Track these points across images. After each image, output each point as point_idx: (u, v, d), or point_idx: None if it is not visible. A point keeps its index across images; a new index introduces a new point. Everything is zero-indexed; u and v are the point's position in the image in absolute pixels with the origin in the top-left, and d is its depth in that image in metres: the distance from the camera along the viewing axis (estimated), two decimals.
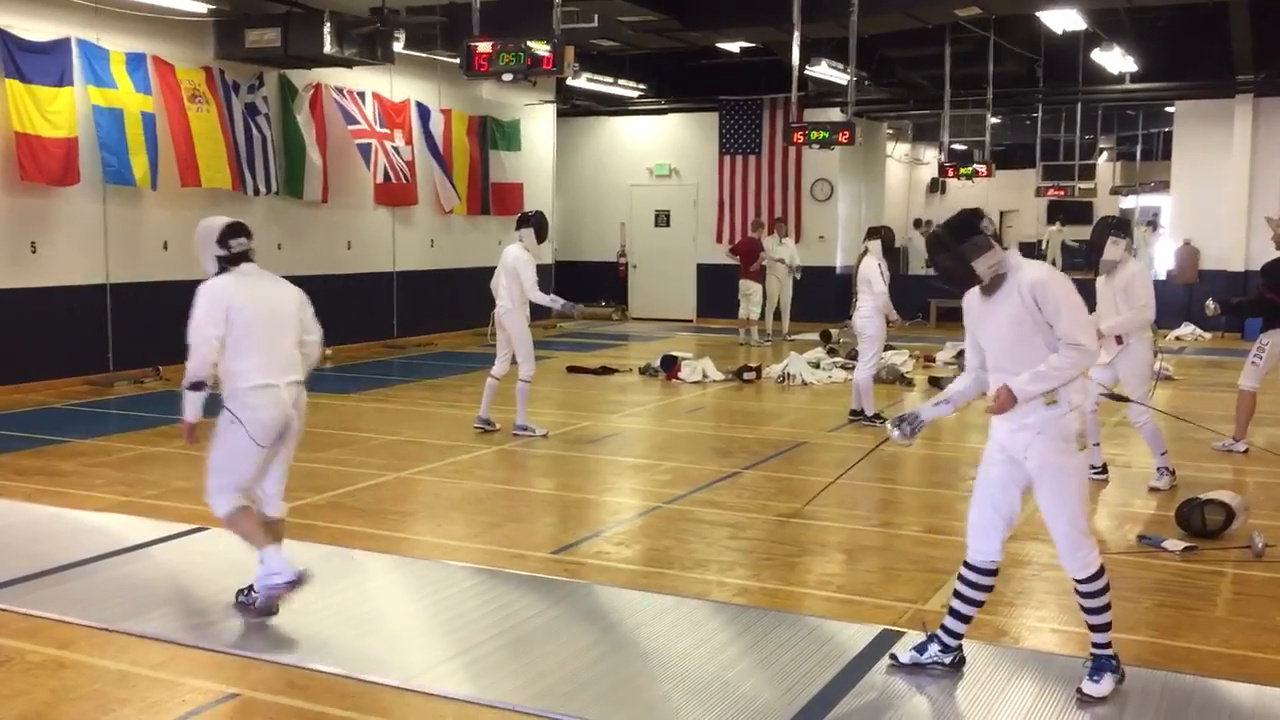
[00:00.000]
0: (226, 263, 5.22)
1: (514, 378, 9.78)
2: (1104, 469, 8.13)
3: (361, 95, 15.43)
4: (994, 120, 20.25)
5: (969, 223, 4.36)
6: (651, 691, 4.43)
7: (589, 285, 21.60)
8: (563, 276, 20.94)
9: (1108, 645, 4.38)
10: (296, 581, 5.06)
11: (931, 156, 27.09)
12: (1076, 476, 4.30)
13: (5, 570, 5.83)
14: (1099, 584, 4.32)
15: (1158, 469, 7.89)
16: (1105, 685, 4.33)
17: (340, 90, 15.08)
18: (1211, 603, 5.54)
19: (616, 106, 21.27)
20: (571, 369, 13.90)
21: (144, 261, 12.82)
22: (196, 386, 5.08)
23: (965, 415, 11.06)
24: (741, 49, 17.88)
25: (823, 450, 9.34)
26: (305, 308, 5.41)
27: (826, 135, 13.67)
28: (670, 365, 13.34)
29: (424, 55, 15.27)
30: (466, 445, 9.28)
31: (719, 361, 13.76)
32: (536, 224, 9.68)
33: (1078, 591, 4.36)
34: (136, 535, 6.48)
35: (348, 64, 13.68)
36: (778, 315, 18.08)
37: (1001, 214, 28.63)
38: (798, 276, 17.92)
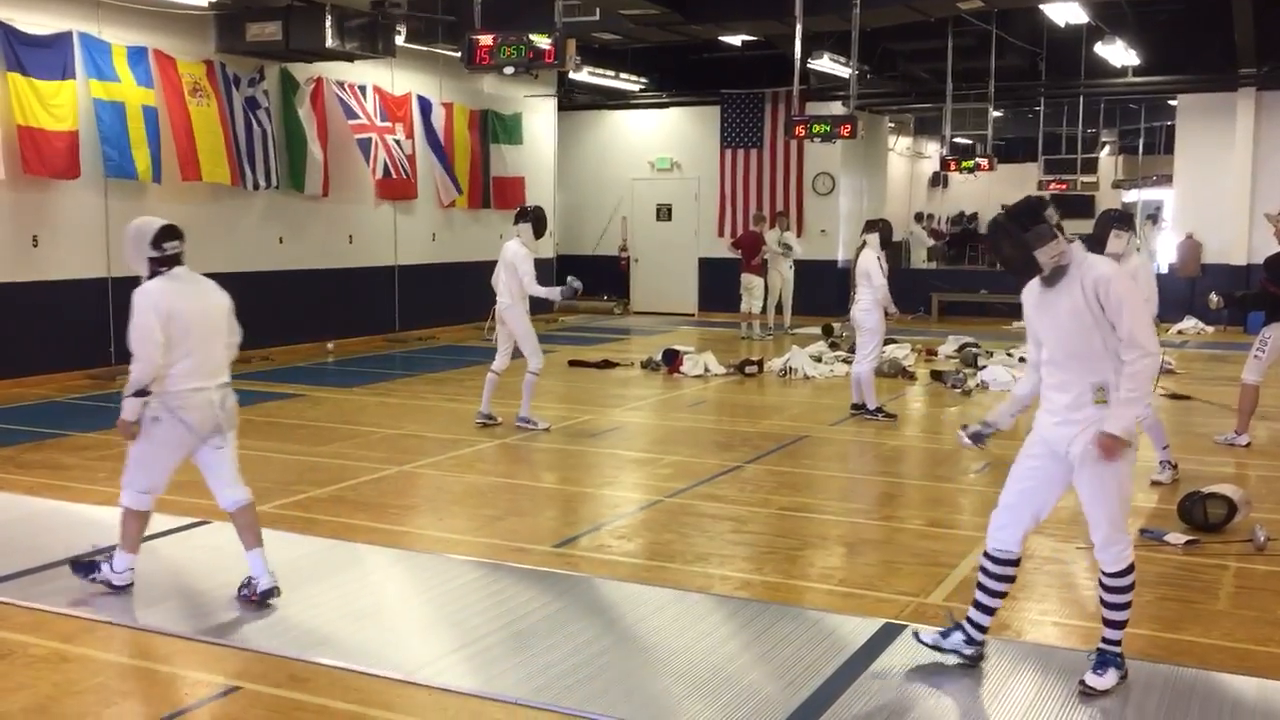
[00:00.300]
0: (159, 265, 5.22)
1: (516, 371, 9.77)
2: (1175, 466, 7.91)
3: (363, 89, 15.42)
4: (996, 114, 20.19)
5: (1034, 210, 4.26)
6: (654, 685, 4.44)
7: (590, 279, 21.61)
8: (563, 270, 20.94)
9: (1118, 643, 4.38)
10: (123, 589, 5.30)
11: (933, 150, 27.05)
12: (1118, 472, 4.23)
13: (8, 564, 5.83)
14: (1126, 580, 4.32)
15: (1160, 463, 7.88)
16: (1109, 679, 4.33)
17: (341, 84, 15.06)
18: (1214, 596, 5.54)
19: (618, 100, 21.24)
20: (573, 363, 13.89)
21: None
22: (142, 393, 5.08)
23: (967, 409, 11.07)
24: (743, 42, 17.86)
25: (825, 444, 9.34)
26: (230, 312, 5.48)
27: (828, 129, 13.64)
28: (672, 359, 13.34)
29: (425, 49, 15.25)
30: (468, 439, 9.28)
31: (721, 355, 13.76)
32: (534, 219, 9.67)
33: (1103, 585, 4.36)
34: None
35: (349, 57, 13.67)
36: (779, 309, 18.08)
37: (1003, 207, 28.61)
38: (798, 253, 17.86)
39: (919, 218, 25.41)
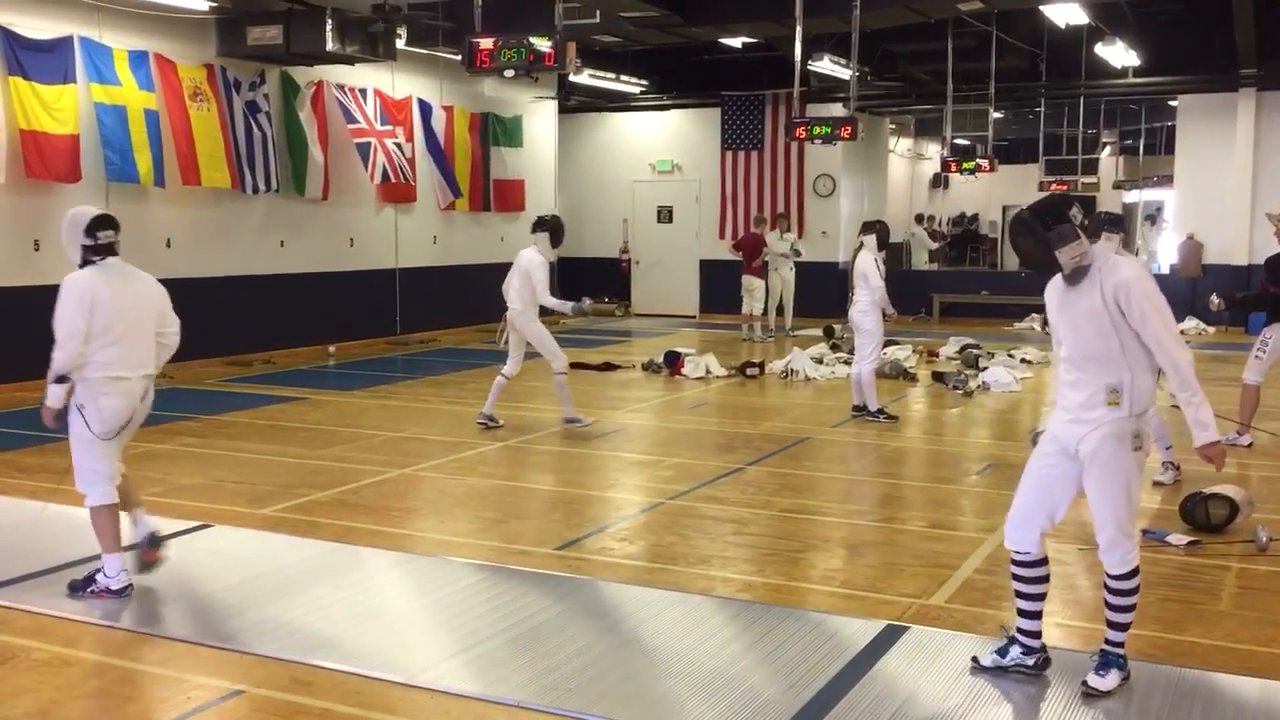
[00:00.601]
0: (92, 253, 5.30)
1: (527, 377, 9.77)
2: (1177, 467, 7.92)
3: (363, 92, 15.43)
4: (997, 115, 20.20)
5: (1057, 209, 4.23)
6: (656, 687, 4.44)
7: (591, 281, 21.64)
8: (565, 273, 20.95)
9: (1121, 644, 4.38)
10: (122, 592, 5.33)
11: (934, 151, 27.05)
12: (1127, 475, 4.23)
13: (10, 568, 5.84)
14: (1132, 583, 4.31)
15: (1163, 463, 7.88)
16: (1111, 680, 4.33)
17: (342, 87, 15.07)
18: (1216, 597, 5.53)
19: (619, 102, 21.25)
20: (574, 365, 13.84)
21: (146, 259, 12.57)
22: (62, 380, 5.19)
23: (968, 410, 11.07)
24: (744, 44, 17.88)
25: (826, 446, 9.34)
26: (165, 302, 5.58)
27: (829, 130, 13.66)
28: (673, 361, 13.34)
29: (426, 52, 15.27)
30: (470, 442, 9.28)
31: (722, 357, 13.76)
32: (552, 228, 9.69)
33: (1108, 587, 4.35)
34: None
35: (349, 61, 13.69)
36: (780, 311, 18.07)
37: (1004, 209, 28.64)
38: (800, 253, 17.86)
39: (920, 219, 25.41)
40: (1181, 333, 18.05)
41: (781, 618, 5.16)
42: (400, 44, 13.72)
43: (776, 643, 4.85)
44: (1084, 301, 4.21)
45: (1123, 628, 4.36)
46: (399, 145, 15.88)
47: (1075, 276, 4.24)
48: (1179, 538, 6.32)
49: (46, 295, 12.28)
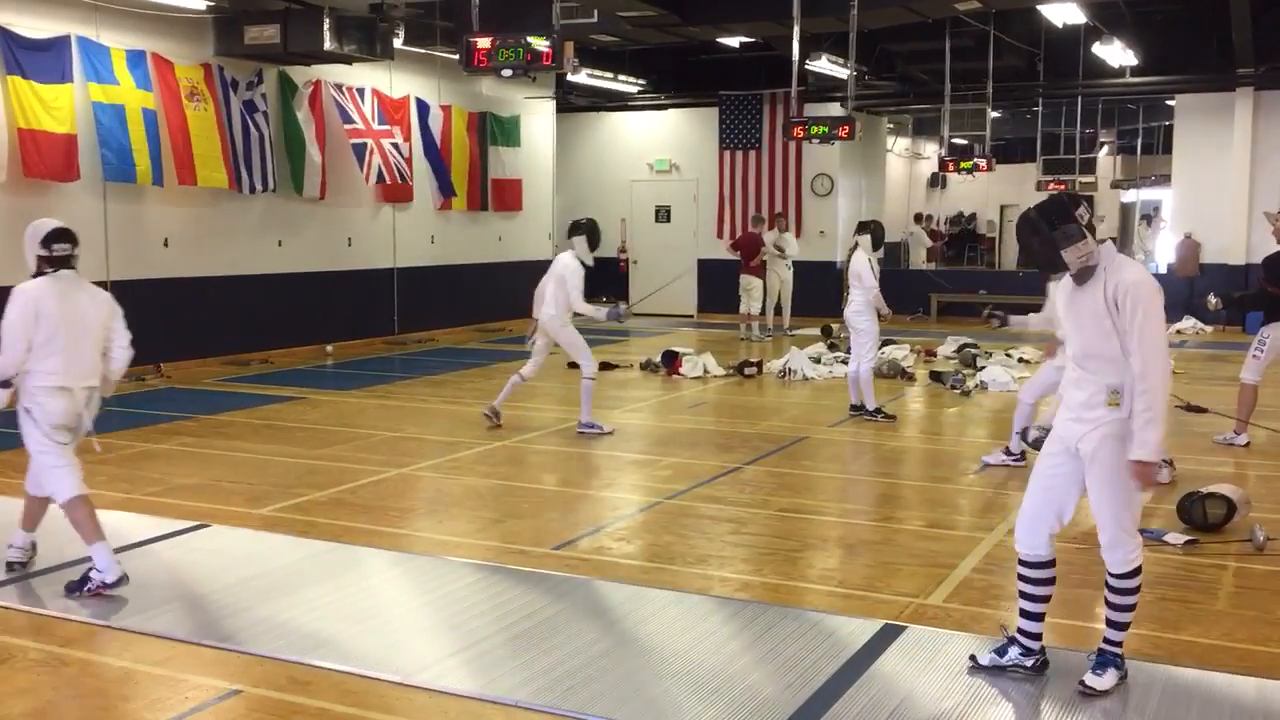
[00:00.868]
0: (46, 264, 5.43)
1: (546, 378, 9.77)
2: (1172, 464, 7.94)
3: (361, 92, 15.42)
4: (994, 114, 20.21)
5: (1063, 208, 4.23)
6: (654, 687, 4.44)
7: (589, 281, 21.59)
8: None
9: (1119, 644, 4.38)
10: (118, 582, 5.36)
11: (932, 151, 27.06)
12: (1127, 475, 4.22)
13: (6, 568, 5.83)
14: (1133, 583, 4.31)
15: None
16: (1108, 679, 4.33)
17: (339, 87, 15.06)
18: (1213, 596, 5.54)
19: (616, 102, 21.25)
20: (573, 365, 13.85)
21: (144, 258, 12.83)
22: (6, 384, 5.34)
23: (966, 409, 11.08)
24: (741, 44, 17.86)
25: (824, 445, 9.34)
26: (115, 318, 5.67)
27: (827, 130, 13.66)
28: (671, 360, 13.34)
29: (423, 51, 15.27)
30: (468, 441, 9.28)
31: (720, 357, 13.76)
32: (589, 231, 9.62)
33: (1109, 586, 4.35)
34: (138, 532, 6.48)
35: (347, 60, 13.68)
36: (778, 310, 18.08)
37: (1002, 208, 28.65)
38: (793, 253, 17.88)
39: (918, 218, 25.40)
40: (1179, 332, 18.14)
41: (779, 617, 5.16)
42: (398, 43, 13.72)
43: (774, 642, 4.85)
44: (1088, 301, 4.22)
45: (1122, 627, 4.36)
46: (396, 145, 15.86)
47: (1082, 276, 4.25)
48: (1176, 537, 6.32)
49: None
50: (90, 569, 5.41)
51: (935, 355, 14.69)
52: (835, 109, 17.77)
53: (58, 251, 5.44)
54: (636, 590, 5.56)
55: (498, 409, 9.83)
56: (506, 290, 19.07)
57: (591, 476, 8.43)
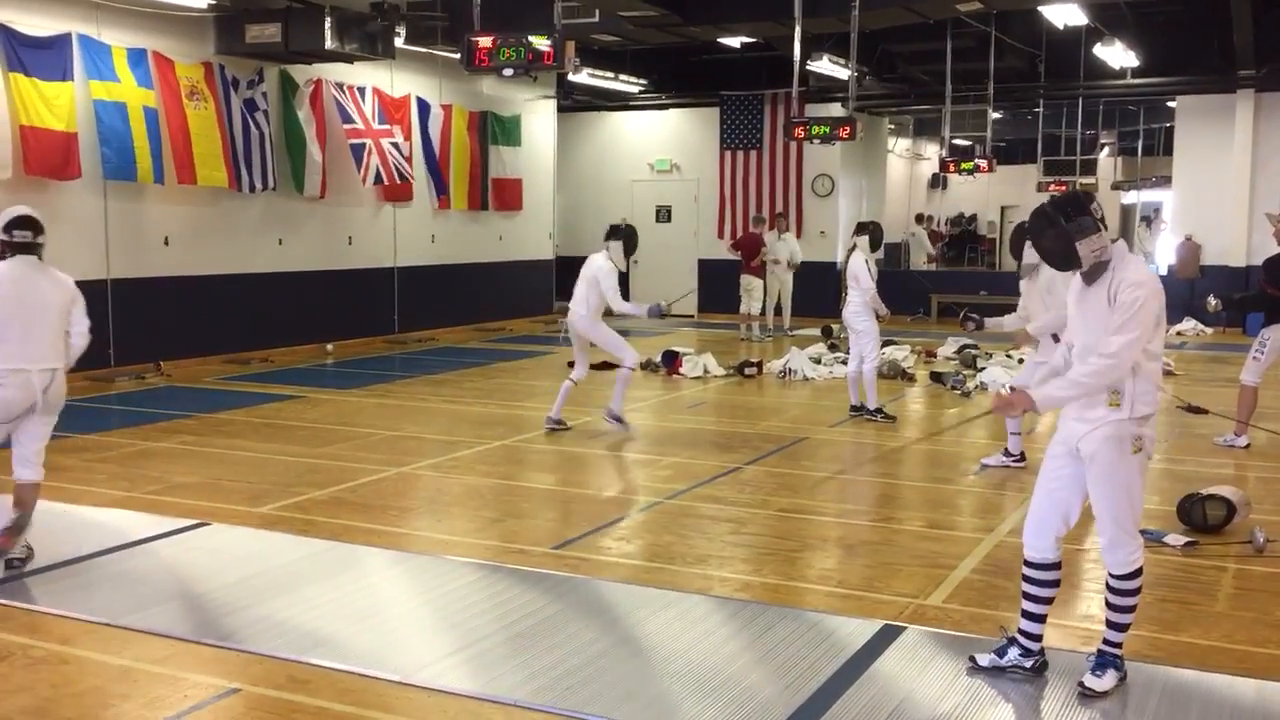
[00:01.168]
0: (5, 248, 5.60)
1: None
2: (1021, 456, 8.24)
3: (362, 91, 15.42)
4: (995, 115, 20.19)
5: (1078, 202, 4.25)
6: (653, 686, 4.43)
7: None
8: (564, 272, 20.95)
9: (1119, 645, 4.38)
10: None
11: (933, 152, 27.06)
12: (1127, 476, 4.23)
13: (6, 564, 5.83)
14: (1133, 584, 4.31)
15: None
16: (1108, 680, 4.33)
17: (340, 86, 15.06)
18: (1213, 598, 5.54)
19: (617, 101, 21.25)
20: (570, 363, 13.86)
21: (145, 257, 12.83)
22: None
23: (967, 410, 11.08)
24: (743, 44, 17.87)
25: (824, 445, 9.34)
26: (75, 305, 5.81)
27: (828, 130, 13.66)
28: (671, 360, 13.34)
29: (425, 50, 15.26)
30: (467, 440, 9.28)
31: (720, 357, 13.76)
32: (625, 237, 9.54)
33: (1110, 587, 4.35)
34: (138, 530, 6.48)
35: (348, 59, 13.68)
36: (779, 310, 18.08)
37: (1003, 209, 28.64)
38: (797, 267, 17.89)
39: (920, 219, 25.39)
40: (1179, 334, 18.12)
41: (779, 617, 5.16)
42: (399, 42, 13.71)
43: (773, 642, 4.85)
44: (1094, 300, 4.24)
45: (1122, 628, 4.36)
46: (396, 145, 15.85)
47: (1093, 274, 4.25)
48: (1176, 538, 6.32)
49: None
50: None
51: (935, 356, 14.68)
52: (836, 109, 17.78)
53: (18, 238, 5.62)
54: (636, 590, 5.56)
55: (557, 417, 9.67)
56: (507, 290, 19.10)
57: (591, 476, 8.42)
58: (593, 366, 10.36)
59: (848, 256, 10.44)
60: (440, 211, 17.43)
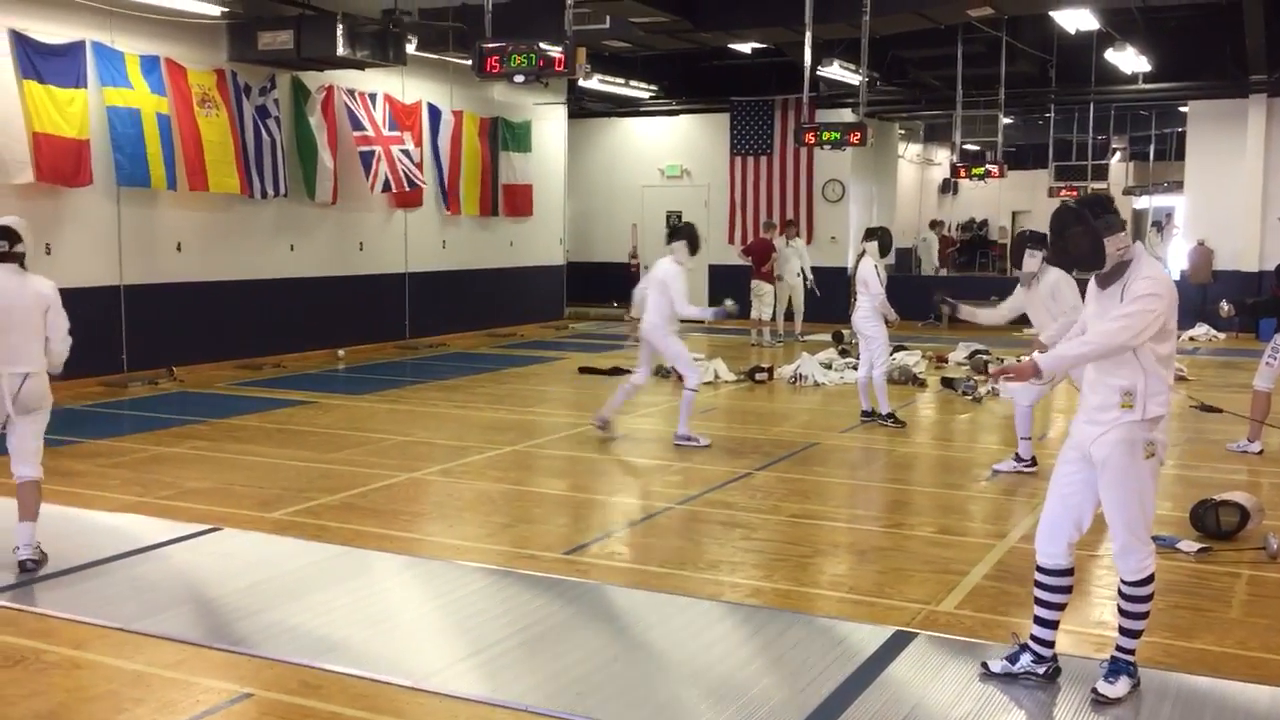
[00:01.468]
0: None
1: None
2: (1033, 461, 8.27)
3: (373, 97, 15.46)
4: (1006, 121, 20.19)
5: (1103, 201, 4.30)
6: (664, 692, 4.43)
7: (601, 286, 21.64)
8: (574, 277, 20.98)
9: (1132, 651, 4.36)
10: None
11: (943, 157, 27.04)
12: (1138, 481, 4.22)
13: (20, 567, 5.86)
14: (1145, 590, 4.30)
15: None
16: (1121, 687, 4.31)
17: (352, 92, 15.11)
18: (1226, 604, 5.51)
19: (628, 107, 21.29)
20: (583, 370, 13.90)
21: (157, 263, 12.88)
22: None
23: (978, 416, 11.06)
24: (753, 49, 17.88)
25: (835, 451, 9.33)
26: (52, 309, 5.88)
27: (838, 136, 13.65)
28: None
29: (436, 57, 15.30)
30: (478, 446, 9.29)
31: (731, 362, 13.76)
32: (689, 236, 9.42)
33: (1122, 593, 4.34)
34: (151, 536, 6.50)
35: (360, 66, 13.73)
36: (790, 316, 18.06)
37: (1014, 215, 28.59)
38: (810, 284, 17.86)
39: (934, 225, 25.35)
40: (1192, 339, 18.04)
41: (790, 623, 5.15)
42: (410, 49, 13.75)
43: (784, 648, 4.85)
44: (1110, 303, 4.24)
45: (1135, 635, 4.35)
46: (406, 151, 15.88)
47: (1111, 276, 4.25)
48: (1189, 544, 6.30)
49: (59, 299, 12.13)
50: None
51: (946, 361, 14.66)
52: (847, 115, 17.79)
53: None
54: (647, 595, 5.56)
55: (607, 417, 9.59)
56: (517, 295, 19.12)
57: (602, 481, 8.43)
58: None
59: (857, 262, 10.44)
60: (451, 217, 17.47)
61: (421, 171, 16.27)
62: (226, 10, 12.57)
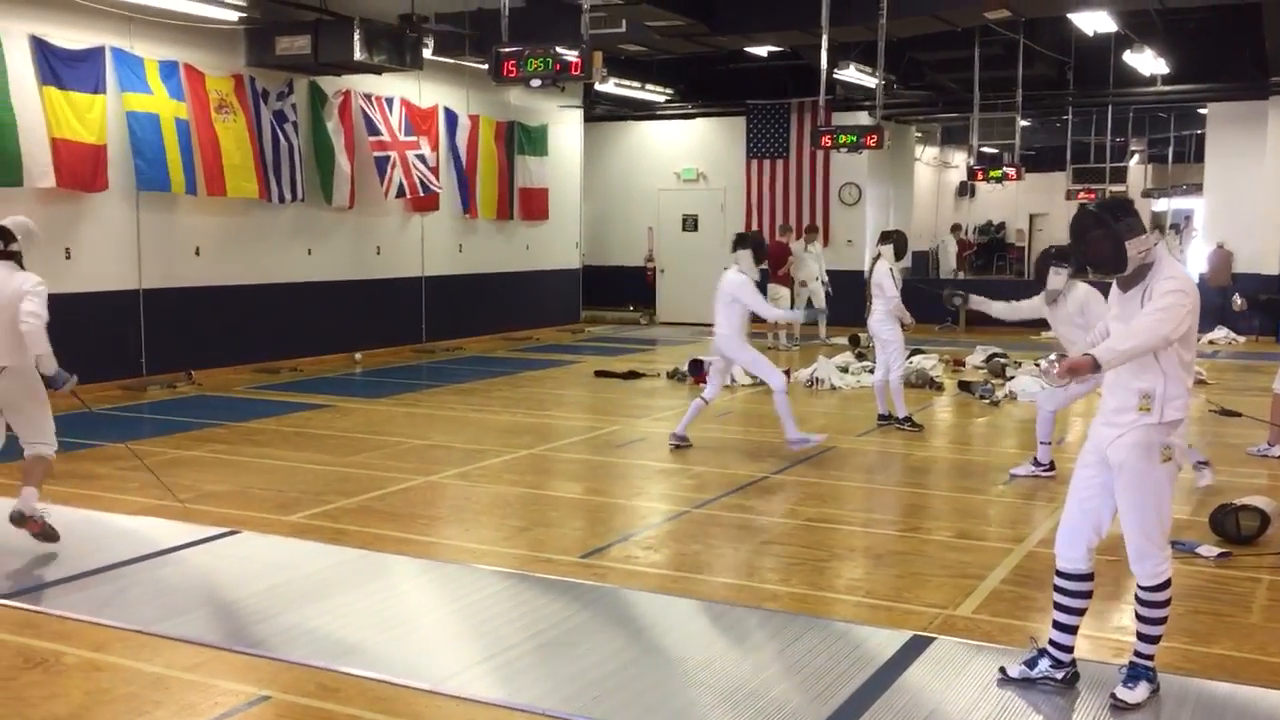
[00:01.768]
0: None
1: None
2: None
3: (389, 101, 15.52)
4: (1024, 123, 20.10)
5: (1124, 204, 4.30)
6: (681, 696, 4.43)
7: (617, 289, 21.67)
8: (590, 281, 21.01)
9: (1150, 657, 4.34)
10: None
11: (960, 160, 26.95)
12: (1155, 486, 4.20)
13: (40, 573, 5.90)
14: (1161, 596, 4.28)
15: (1195, 465, 7.81)
16: (1140, 692, 4.29)
17: (369, 97, 15.16)
18: (1247, 609, 5.48)
19: (644, 111, 21.29)
20: (599, 373, 13.91)
21: (176, 267, 12.95)
22: None
23: (996, 419, 11.02)
24: (769, 53, 17.85)
25: (852, 455, 9.31)
26: (27, 300, 6.00)
27: (854, 139, 13.63)
28: (698, 369, 13.30)
29: (453, 61, 15.34)
30: (495, 449, 9.30)
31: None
32: (754, 245, 9.32)
33: (1139, 599, 4.32)
34: (170, 538, 6.54)
35: (377, 70, 13.77)
36: (814, 321, 17.96)
37: (1031, 217, 28.48)
38: (827, 289, 17.85)
39: (955, 229, 25.26)
40: (1211, 342, 17.94)
41: (806, 627, 5.14)
42: (427, 53, 13.80)
43: (801, 652, 4.84)
44: (1131, 306, 4.24)
45: (1153, 640, 4.32)
46: (422, 156, 15.92)
47: (1133, 279, 4.24)
48: (1209, 549, 6.26)
49: (78, 303, 12.44)
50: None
51: (964, 365, 14.61)
52: (863, 118, 17.75)
53: None
54: (664, 599, 5.56)
55: (682, 434, 9.45)
56: (534, 299, 19.15)
57: (618, 485, 8.43)
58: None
59: (872, 265, 10.42)
60: (467, 221, 17.51)
61: (437, 176, 16.31)
62: (244, 15, 12.63)
